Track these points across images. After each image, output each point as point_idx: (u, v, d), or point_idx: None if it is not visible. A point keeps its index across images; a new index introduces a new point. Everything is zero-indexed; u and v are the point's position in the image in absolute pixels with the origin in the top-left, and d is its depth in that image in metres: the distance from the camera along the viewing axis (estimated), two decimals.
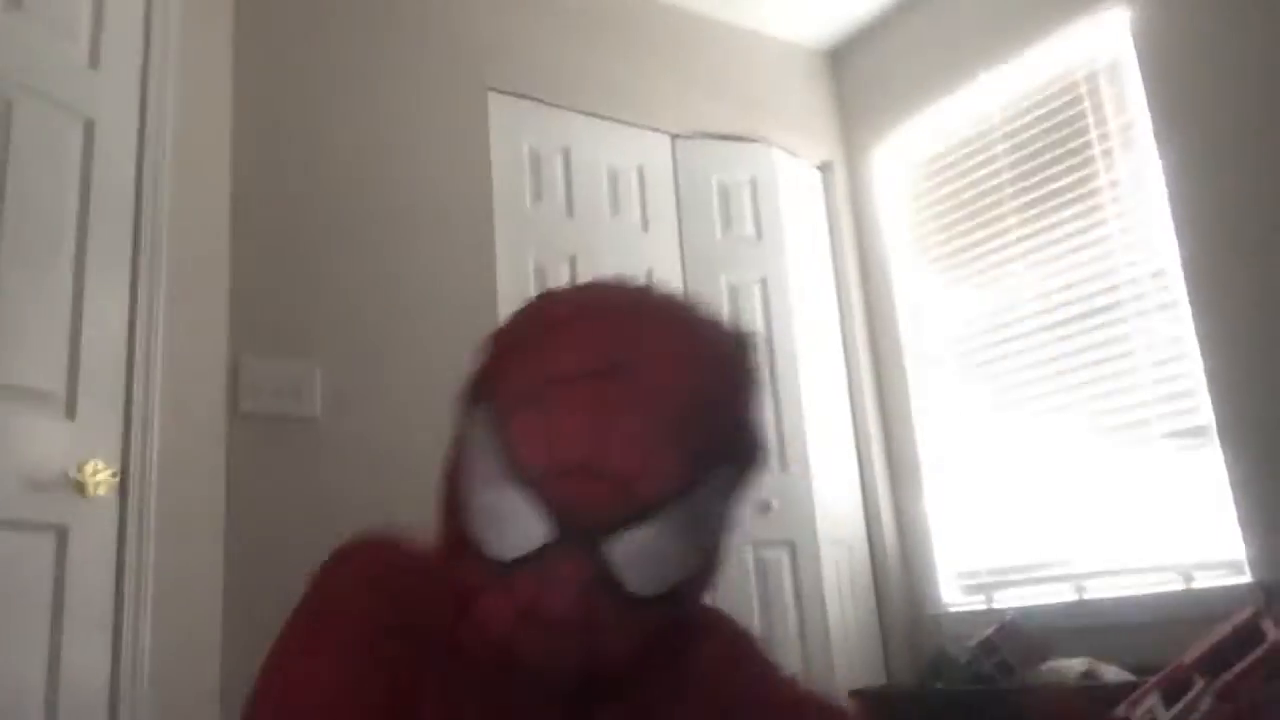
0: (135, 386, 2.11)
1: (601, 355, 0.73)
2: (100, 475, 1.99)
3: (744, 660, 0.93)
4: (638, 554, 0.72)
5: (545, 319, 0.78)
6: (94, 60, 2.18)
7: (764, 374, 0.83)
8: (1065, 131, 3.17)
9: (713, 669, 0.90)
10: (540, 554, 0.71)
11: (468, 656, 0.79)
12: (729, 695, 0.89)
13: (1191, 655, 1.12)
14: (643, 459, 0.70)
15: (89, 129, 2.13)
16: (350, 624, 0.78)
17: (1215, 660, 1.09)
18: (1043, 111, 3.24)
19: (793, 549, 3.23)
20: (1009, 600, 3.16)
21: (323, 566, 0.86)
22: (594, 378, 0.72)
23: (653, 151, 3.41)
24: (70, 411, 1.99)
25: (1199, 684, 1.07)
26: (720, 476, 0.76)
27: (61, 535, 1.93)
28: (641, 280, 0.83)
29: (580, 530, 0.71)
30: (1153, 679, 1.14)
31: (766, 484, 3.24)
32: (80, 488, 1.96)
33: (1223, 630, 1.13)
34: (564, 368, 0.72)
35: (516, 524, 0.72)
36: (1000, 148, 3.35)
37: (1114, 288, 3.00)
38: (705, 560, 0.78)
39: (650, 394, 0.72)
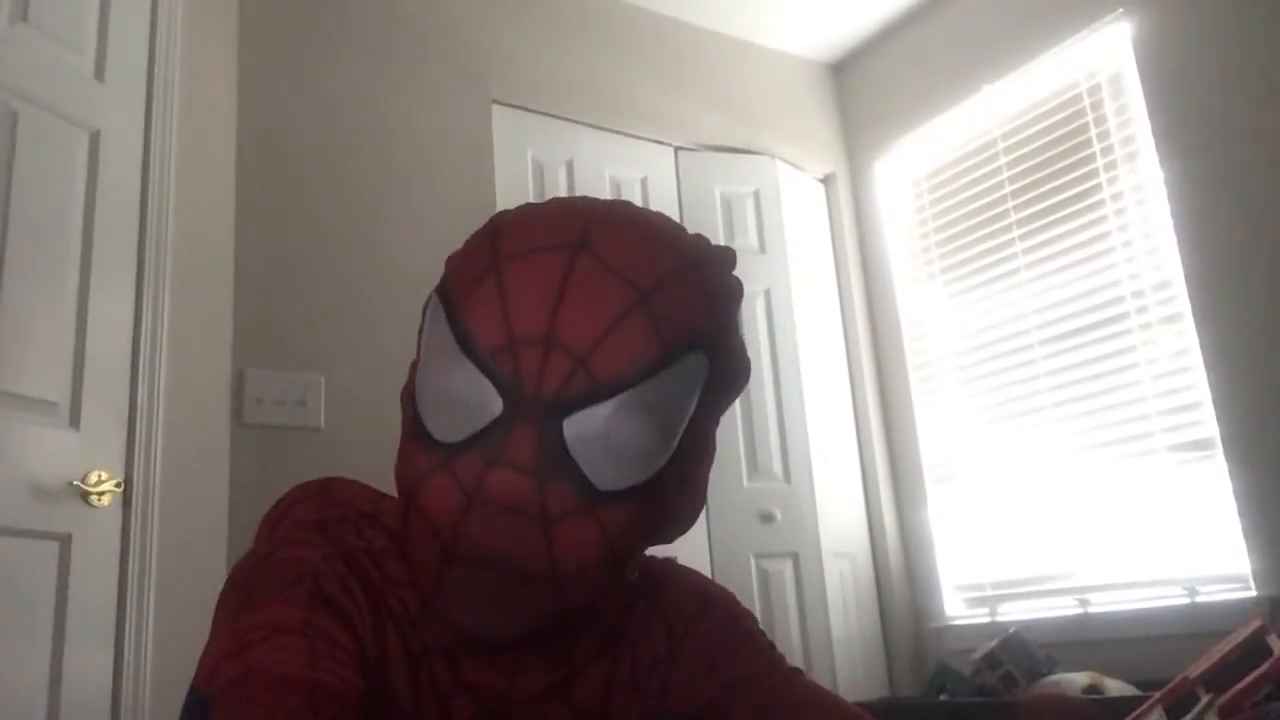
0: (139, 396, 2.12)
1: (560, 232, 0.69)
2: (104, 485, 1.99)
3: (746, 641, 0.86)
4: (593, 436, 0.66)
5: (501, 219, 0.74)
6: (99, 72, 2.19)
7: (740, 284, 0.77)
8: (1068, 144, 3.17)
9: (713, 643, 0.85)
10: (488, 430, 0.66)
11: (428, 595, 0.72)
12: (728, 673, 0.83)
13: (1196, 669, 1.11)
14: (600, 331, 0.66)
15: (94, 140, 2.14)
16: (306, 568, 0.72)
17: (1220, 675, 1.09)
18: (1045, 124, 3.24)
19: (796, 560, 3.23)
20: (1013, 613, 3.15)
21: (269, 515, 0.81)
22: (551, 251, 0.68)
23: (656, 163, 3.42)
24: (74, 421, 2.00)
25: (1204, 699, 1.07)
26: (689, 365, 0.69)
27: (65, 544, 1.94)
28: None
29: (531, 405, 0.65)
30: (1157, 693, 1.13)
31: (770, 495, 3.23)
32: (84, 497, 1.97)
33: (1228, 644, 1.12)
34: (519, 244, 0.69)
35: (466, 401, 0.67)
36: (1003, 160, 3.36)
37: (1118, 300, 2.99)
38: (678, 467, 0.72)
39: (611, 267, 0.67)
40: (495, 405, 0.66)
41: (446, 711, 0.76)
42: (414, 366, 0.77)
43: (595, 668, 0.81)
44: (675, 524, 0.76)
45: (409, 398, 0.75)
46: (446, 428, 0.68)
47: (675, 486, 0.73)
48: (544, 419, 0.65)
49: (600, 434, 0.66)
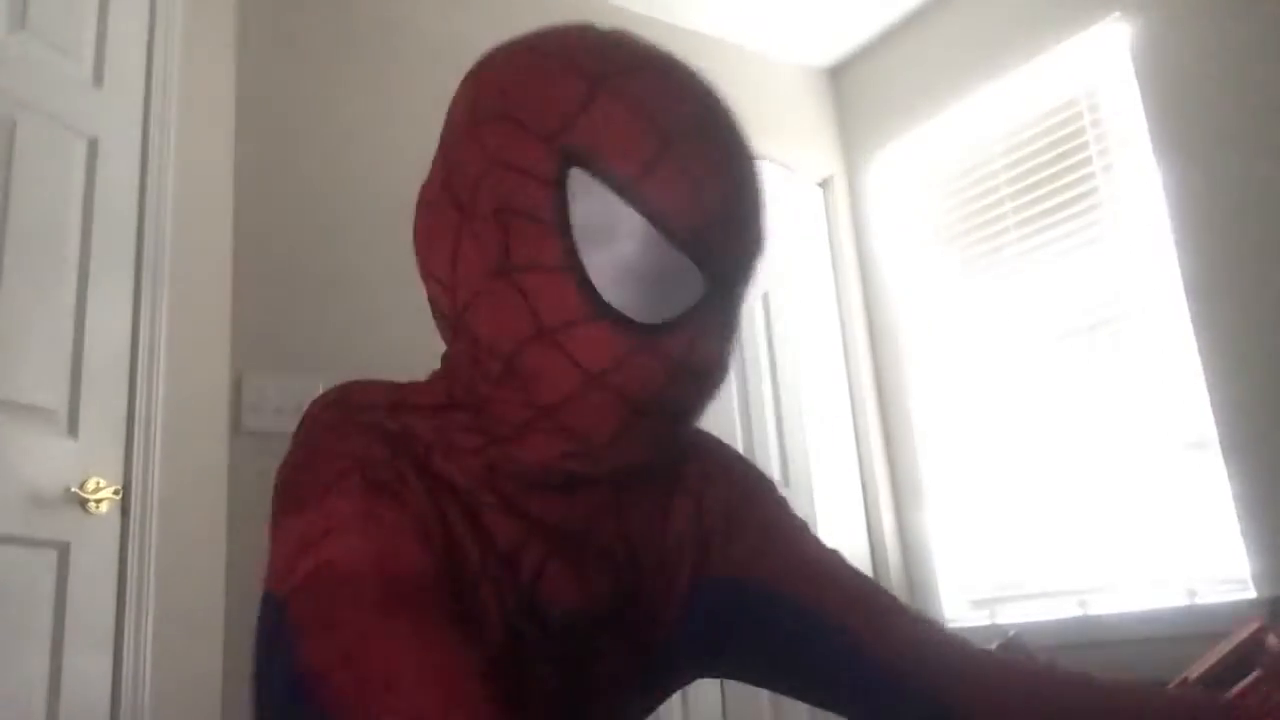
0: (137, 403, 2.12)
1: (697, 112, 0.74)
2: (102, 492, 1.99)
3: (783, 512, 1.00)
4: (743, 304, 0.76)
5: (627, 80, 0.73)
6: (97, 78, 2.19)
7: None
8: (1065, 148, 3.17)
9: (755, 511, 0.96)
10: (694, 308, 0.71)
11: (497, 472, 0.78)
12: (767, 533, 0.95)
13: (1195, 671, 1.11)
14: (762, 213, 0.75)
15: (92, 147, 2.14)
16: (351, 459, 0.73)
17: (1219, 676, 1.09)
18: (1042, 128, 3.25)
19: None
20: (1012, 616, 3.15)
21: (298, 429, 0.81)
22: (708, 134, 0.72)
23: None
24: (72, 428, 2.00)
25: None
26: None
27: (63, 552, 1.93)
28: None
29: (727, 281, 0.73)
30: None
31: None
32: (82, 504, 1.96)
33: (1227, 645, 1.12)
34: (679, 123, 0.71)
35: (670, 282, 0.70)
36: (1000, 163, 3.36)
37: (1115, 302, 3.00)
38: None
39: (744, 154, 0.75)
40: (697, 283, 0.71)
41: (515, 561, 0.78)
42: (535, 254, 0.71)
43: (652, 509, 0.89)
44: None
45: (558, 269, 0.70)
46: (643, 307, 0.70)
47: None
48: (732, 292, 0.74)
49: (745, 302, 0.77)
